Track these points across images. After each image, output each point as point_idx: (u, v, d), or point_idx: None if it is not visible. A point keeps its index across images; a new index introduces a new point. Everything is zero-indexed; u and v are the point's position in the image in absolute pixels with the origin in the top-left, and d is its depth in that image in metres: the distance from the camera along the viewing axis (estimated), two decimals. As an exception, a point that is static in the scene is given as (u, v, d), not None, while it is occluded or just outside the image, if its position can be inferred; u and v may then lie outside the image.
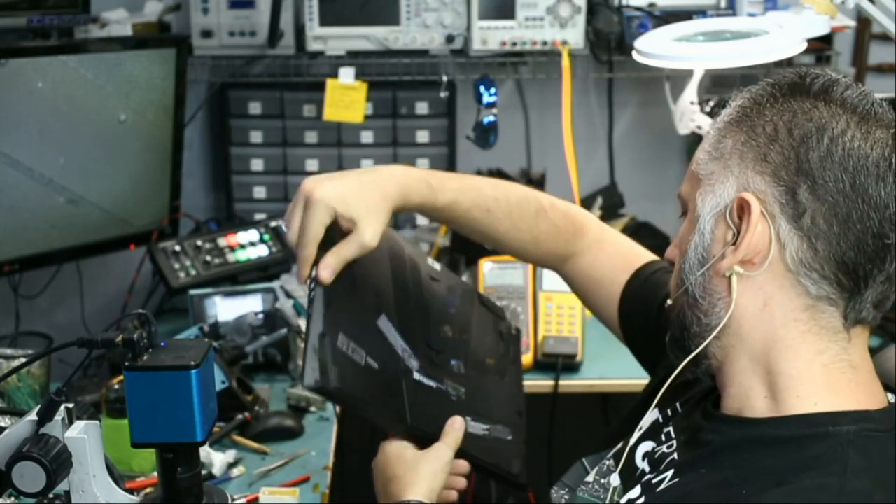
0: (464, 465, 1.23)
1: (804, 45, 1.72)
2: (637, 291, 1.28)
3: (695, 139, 2.32)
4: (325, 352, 1.09)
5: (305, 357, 1.09)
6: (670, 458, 0.98)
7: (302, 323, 1.88)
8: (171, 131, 2.21)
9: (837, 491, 0.84)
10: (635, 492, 0.99)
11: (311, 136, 2.48)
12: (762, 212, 0.90)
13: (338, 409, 1.73)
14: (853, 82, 0.93)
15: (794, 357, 0.92)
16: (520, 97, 2.58)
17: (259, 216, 2.45)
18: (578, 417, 2.10)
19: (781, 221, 0.89)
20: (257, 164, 2.50)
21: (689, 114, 2.23)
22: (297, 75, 2.37)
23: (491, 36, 2.26)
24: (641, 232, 2.47)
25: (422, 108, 2.47)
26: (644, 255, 1.33)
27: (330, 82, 2.30)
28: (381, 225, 1.15)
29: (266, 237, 2.30)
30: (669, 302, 1.02)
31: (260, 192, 2.52)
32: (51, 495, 0.99)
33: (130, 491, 1.05)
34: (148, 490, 1.53)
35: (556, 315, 2.03)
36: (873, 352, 1.78)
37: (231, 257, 2.24)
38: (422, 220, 2.49)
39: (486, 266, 2.10)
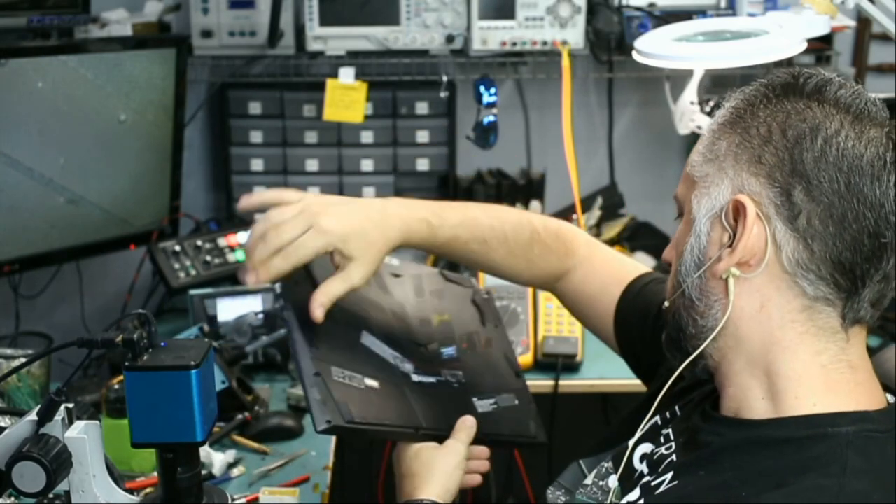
0: (483, 450, 1.26)
1: (804, 45, 1.72)
2: (632, 303, 1.29)
3: (695, 139, 2.31)
4: (324, 391, 1.10)
5: (309, 404, 1.10)
6: (669, 459, 0.98)
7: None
8: (171, 131, 2.21)
9: (836, 492, 0.83)
10: (634, 494, 0.98)
11: (311, 136, 2.48)
12: (758, 213, 0.90)
13: None
14: (846, 81, 0.93)
15: (792, 358, 0.92)
16: (520, 97, 2.58)
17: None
18: (578, 417, 2.10)
19: (777, 223, 0.89)
20: (257, 164, 2.50)
21: (689, 114, 2.23)
22: (297, 75, 2.37)
23: (491, 36, 2.26)
24: (641, 232, 2.47)
25: (422, 108, 2.47)
26: (635, 268, 1.35)
27: (330, 82, 2.31)
28: (374, 268, 1.17)
29: (266, 237, 2.29)
30: (666, 304, 1.02)
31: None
32: (51, 495, 0.99)
33: (130, 491, 1.05)
34: (148, 490, 1.53)
35: (556, 315, 2.04)
36: (873, 352, 1.79)
37: (231, 257, 2.24)
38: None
39: (486, 266, 2.10)
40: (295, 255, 1.14)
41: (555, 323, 2.04)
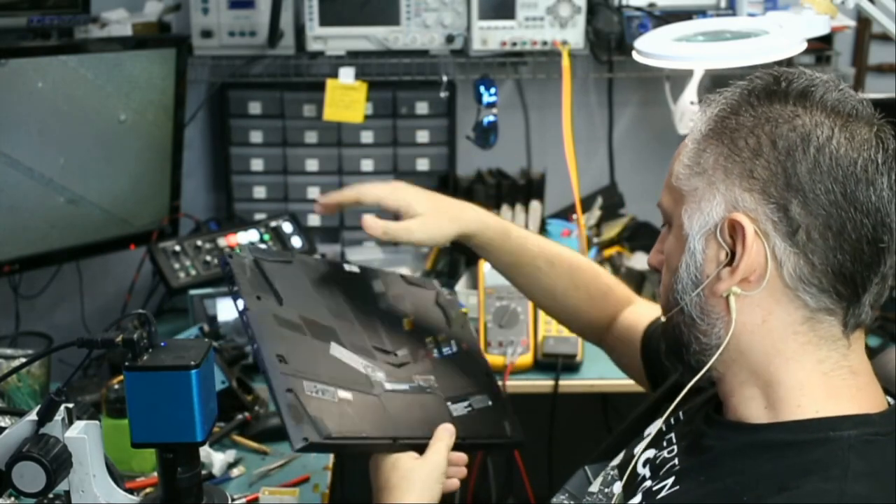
0: (462, 457, 1.23)
1: (804, 45, 1.72)
2: (657, 351, 1.27)
3: (695, 139, 2.31)
4: (298, 408, 1.08)
5: (283, 422, 1.08)
6: (671, 463, 0.98)
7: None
8: (171, 131, 2.21)
9: (838, 495, 0.83)
10: (636, 499, 0.98)
11: (311, 136, 2.48)
12: (756, 231, 0.88)
13: None
14: (828, 80, 0.91)
15: (795, 368, 0.91)
16: (520, 97, 2.58)
17: (259, 216, 2.45)
18: (578, 417, 2.11)
19: (776, 240, 0.88)
20: (257, 164, 2.50)
21: (689, 114, 2.23)
22: (297, 75, 2.37)
23: (491, 36, 2.26)
24: (641, 232, 2.47)
25: (422, 108, 2.48)
26: (643, 312, 1.36)
27: (330, 82, 2.30)
28: (436, 234, 1.24)
29: (266, 237, 2.30)
30: (663, 319, 1.01)
31: (260, 192, 2.52)
32: (51, 495, 0.99)
33: (130, 491, 1.05)
34: (148, 490, 1.53)
35: (556, 315, 2.03)
36: (872, 352, 1.78)
37: (231, 257, 2.24)
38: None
39: (487, 266, 2.09)
40: (361, 188, 1.17)
41: (555, 323, 2.03)
